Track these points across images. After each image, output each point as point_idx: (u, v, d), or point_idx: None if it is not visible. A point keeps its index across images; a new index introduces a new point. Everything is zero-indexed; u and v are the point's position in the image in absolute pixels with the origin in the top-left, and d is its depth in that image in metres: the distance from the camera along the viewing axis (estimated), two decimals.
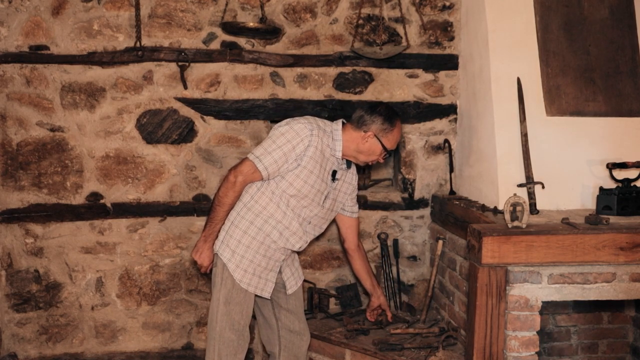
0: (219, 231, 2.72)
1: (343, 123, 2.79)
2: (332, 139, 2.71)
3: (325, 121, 2.79)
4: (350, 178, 2.90)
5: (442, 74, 3.68)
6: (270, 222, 2.69)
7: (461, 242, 3.14)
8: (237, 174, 2.62)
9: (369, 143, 2.73)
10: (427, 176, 3.75)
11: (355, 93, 3.65)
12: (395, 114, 2.79)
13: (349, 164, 2.85)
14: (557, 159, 3.01)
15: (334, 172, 2.77)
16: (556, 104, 3.11)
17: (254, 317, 2.87)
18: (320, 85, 3.61)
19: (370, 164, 2.85)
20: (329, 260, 3.77)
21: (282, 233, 2.70)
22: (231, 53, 3.52)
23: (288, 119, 2.70)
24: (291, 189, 2.64)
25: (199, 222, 3.60)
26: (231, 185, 2.62)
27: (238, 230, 2.67)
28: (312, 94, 3.61)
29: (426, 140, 3.72)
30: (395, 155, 3.92)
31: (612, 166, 2.91)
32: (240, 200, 2.70)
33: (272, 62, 3.54)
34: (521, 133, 3.00)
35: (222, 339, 2.65)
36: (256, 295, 2.77)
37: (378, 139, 2.72)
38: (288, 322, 2.87)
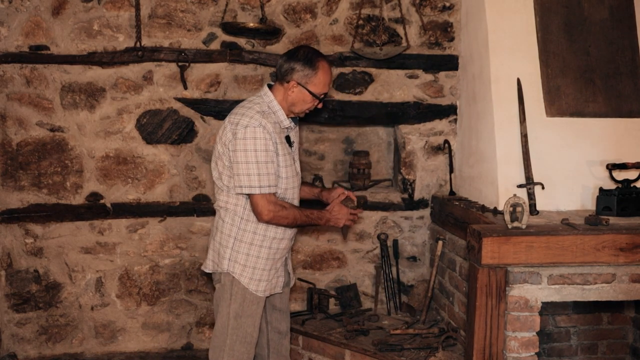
0: (224, 250, 2.63)
1: (269, 86, 2.65)
2: (273, 113, 2.59)
3: (255, 99, 2.61)
4: (294, 136, 2.78)
5: (442, 74, 3.68)
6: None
7: (461, 242, 3.14)
8: (265, 211, 2.51)
9: (294, 93, 2.57)
10: (427, 177, 3.75)
11: (356, 93, 3.64)
12: (317, 54, 2.58)
13: (295, 120, 2.71)
14: (557, 160, 3.01)
15: (288, 138, 2.67)
16: (556, 104, 3.11)
17: None
18: None
19: (309, 111, 2.67)
20: (329, 261, 3.77)
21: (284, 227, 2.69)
22: (231, 53, 3.52)
23: (233, 126, 2.52)
24: (280, 182, 2.61)
25: (199, 222, 3.60)
26: (276, 218, 2.54)
27: (243, 244, 2.62)
28: None
29: (426, 141, 3.72)
30: (395, 155, 3.92)
31: (612, 167, 2.91)
32: (235, 214, 2.61)
33: (272, 62, 3.54)
34: (521, 134, 3.00)
35: (232, 352, 2.63)
36: None
37: (303, 86, 2.55)
38: (277, 323, 2.86)
